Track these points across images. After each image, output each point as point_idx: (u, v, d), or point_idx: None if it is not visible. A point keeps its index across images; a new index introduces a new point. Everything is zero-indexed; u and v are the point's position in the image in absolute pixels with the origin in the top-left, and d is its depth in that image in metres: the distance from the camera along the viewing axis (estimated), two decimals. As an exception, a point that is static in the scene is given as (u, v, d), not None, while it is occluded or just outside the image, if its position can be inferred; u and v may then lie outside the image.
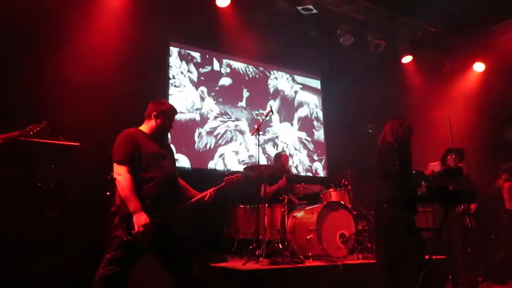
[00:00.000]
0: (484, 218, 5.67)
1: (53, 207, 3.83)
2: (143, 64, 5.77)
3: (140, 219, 2.78)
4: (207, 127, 6.68)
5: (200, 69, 6.82)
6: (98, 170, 4.48)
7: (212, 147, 6.65)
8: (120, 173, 2.88)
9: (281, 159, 6.10)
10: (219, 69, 7.04)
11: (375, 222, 4.00)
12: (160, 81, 6.27)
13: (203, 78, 6.80)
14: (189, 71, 6.66)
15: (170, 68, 6.47)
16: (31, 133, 3.33)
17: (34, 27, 4.86)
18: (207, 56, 6.94)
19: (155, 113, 3.17)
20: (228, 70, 7.15)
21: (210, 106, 6.77)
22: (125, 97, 5.32)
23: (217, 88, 6.95)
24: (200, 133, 6.57)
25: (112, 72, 5.32)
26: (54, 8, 4.95)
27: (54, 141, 3.84)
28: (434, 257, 3.41)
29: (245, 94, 7.23)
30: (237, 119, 7.02)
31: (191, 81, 6.65)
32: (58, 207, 3.82)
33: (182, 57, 6.65)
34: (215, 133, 6.73)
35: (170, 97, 6.28)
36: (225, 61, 7.13)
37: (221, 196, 3.49)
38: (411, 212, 3.59)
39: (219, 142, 6.74)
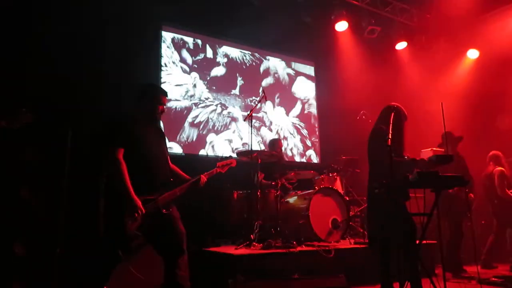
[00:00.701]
0: (476, 204, 5.75)
1: (40, 191, 3.81)
2: (134, 48, 5.70)
3: (130, 202, 2.82)
4: (200, 114, 6.63)
5: (193, 57, 6.73)
6: (88, 153, 4.48)
7: (203, 134, 6.60)
8: (112, 158, 2.90)
9: (275, 146, 6.10)
10: (212, 57, 6.96)
11: (366, 207, 4.03)
12: (152, 65, 6.19)
13: (196, 66, 6.72)
14: (181, 60, 6.56)
15: (162, 57, 6.36)
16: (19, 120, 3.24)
17: (25, 12, 4.77)
18: (200, 42, 6.85)
19: (145, 96, 3.18)
20: (222, 57, 7.06)
21: (203, 94, 6.71)
22: (116, 80, 5.27)
23: (210, 75, 6.87)
24: (192, 120, 6.52)
25: (103, 54, 5.25)
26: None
27: (41, 125, 3.80)
28: (424, 242, 3.44)
29: (239, 81, 7.17)
30: (230, 107, 6.98)
31: (183, 70, 6.56)
32: (46, 191, 3.80)
33: (175, 45, 6.55)
34: (208, 121, 6.68)
35: (163, 85, 6.21)
36: (218, 49, 7.03)
37: (214, 182, 3.49)
38: (403, 198, 3.62)
39: (212, 129, 6.69)
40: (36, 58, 4.76)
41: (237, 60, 7.24)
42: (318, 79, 8.21)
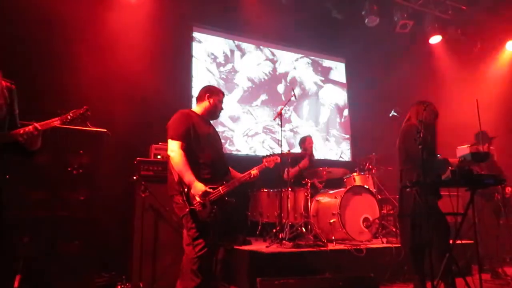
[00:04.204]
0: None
1: (82, 191, 3.97)
2: (166, 52, 5.82)
3: (196, 188, 2.94)
4: (233, 126, 6.66)
5: (221, 68, 6.73)
6: (125, 155, 4.64)
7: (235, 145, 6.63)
8: (173, 150, 3.05)
9: (305, 142, 6.11)
10: (239, 70, 6.92)
11: (398, 206, 3.97)
12: (183, 70, 6.28)
13: (224, 77, 6.72)
14: (209, 71, 6.57)
15: (193, 57, 6.42)
16: (69, 117, 3.34)
17: (62, 17, 4.97)
18: (228, 50, 6.84)
19: (208, 94, 3.37)
20: (251, 64, 7.05)
21: (233, 105, 6.69)
22: (149, 86, 5.43)
23: (239, 86, 6.85)
24: (225, 131, 6.55)
25: (135, 61, 5.38)
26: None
27: (82, 127, 3.96)
28: (460, 241, 3.36)
29: (265, 91, 7.11)
30: (259, 116, 6.94)
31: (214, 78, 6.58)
32: (86, 190, 3.96)
33: (204, 57, 6.58)
34: (240, 132, 6.71)
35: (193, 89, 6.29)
36: (246, 55, 7.00)
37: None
38: (435, 196, 3.55)
39: (244, 140, 6.73)
40: (67, 61, 4.96)
41: (264, 64, 7.19)
42: (349, 75, 8.10)
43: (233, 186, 3.24)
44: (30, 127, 2.55)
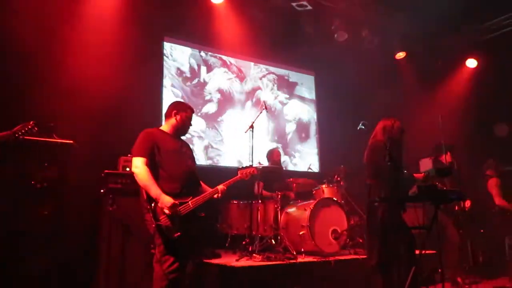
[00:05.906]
0: (475, 214, 5.78)
1: (47, 205, 3.84)
2: (136, 63, 5.71)
3: (164, 201, 2.94)
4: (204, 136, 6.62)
5: (188, 83, 6.64)
6: (92, 168, 4.52)
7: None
8: (137, 166, 3.05)
9: (273, 155, 6.17)
10: (207, 81, 6.88)
11: (366, 220, 4.07)
12: (153, 82, 6.20)
13: (190, 91, 6.64)
14: (173, 85, 6.47)
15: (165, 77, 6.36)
16: (23, 131, 3.37)
17: (26, 28, 4.81)
18: (195, 63, 6.78)
19: (175, 111, 3.38)
20: (219, 78, 7.03)
21: (198, 119, 6.59)
22: (118, 97, 5.33)
23: (205, 106, 6.80)
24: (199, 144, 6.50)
25: (104, 72, 5.26)
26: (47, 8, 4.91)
27: (47, 139, 3.84)
28: (424, 251, 3.48)
29: (238, 99, 7.12)
30: (223, 131, 6.91)
31: (175, 95, 6.44)
32: (52, 205, 3.83)
33: (170, 70, 6.50)
34: (209, 144, 6.68)
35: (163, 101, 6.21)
36: (213, 70, 6.98)
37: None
38: (401, 210, 3.67)
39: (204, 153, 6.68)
40: (39, 73, 4.80)
41: (232, 74, 7.19)
42: (318, 88, 8.24)
43: (202, 200, 3.24)
44: None
